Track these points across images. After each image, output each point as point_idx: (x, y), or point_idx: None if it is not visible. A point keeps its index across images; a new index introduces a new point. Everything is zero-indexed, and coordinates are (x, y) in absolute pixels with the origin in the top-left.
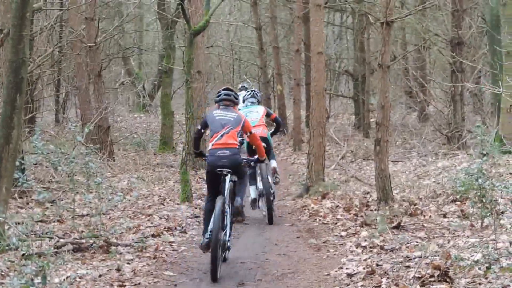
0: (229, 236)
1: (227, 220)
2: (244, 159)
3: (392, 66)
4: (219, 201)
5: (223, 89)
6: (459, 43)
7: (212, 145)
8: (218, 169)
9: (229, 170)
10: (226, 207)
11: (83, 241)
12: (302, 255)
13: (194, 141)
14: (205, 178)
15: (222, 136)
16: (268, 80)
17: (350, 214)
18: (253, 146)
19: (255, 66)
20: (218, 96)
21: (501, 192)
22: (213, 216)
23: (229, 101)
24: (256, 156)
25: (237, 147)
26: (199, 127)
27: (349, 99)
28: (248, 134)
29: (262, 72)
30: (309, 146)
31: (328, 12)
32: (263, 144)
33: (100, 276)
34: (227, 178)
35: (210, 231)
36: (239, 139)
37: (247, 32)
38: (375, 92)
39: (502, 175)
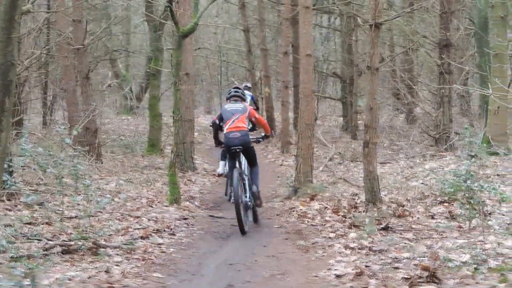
0: (249, 197)
1: (247, 186)
2: (254, 138)
3: (380, 68)
4: (235, 172)
5: (233, 88)
6: (447, 45)
7: (227, 129)
8: (232, 147)
9: (240, 147)
10: (244, 176)
11: (72, 243)
12: (291, 257)
13: (214, 132)
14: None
15: (233, 121)
16: (256, 82)
17: (338, 215)
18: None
19: (242, 68)
20: (229, 93)
21: (489, 194)
22: (232, 184)
23: (237, 97)
24: (263, 134)
25: (246, 129)
26: (217, 121)
27: (336, 101)
28: (253, 119)
29: (249, 74)
30: (297, 148)
31: (316, 14)
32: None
33: (89, 278)
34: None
35: (232, 195)
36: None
37: (235, 34)
38: (363, 94)
39: (490, 177)
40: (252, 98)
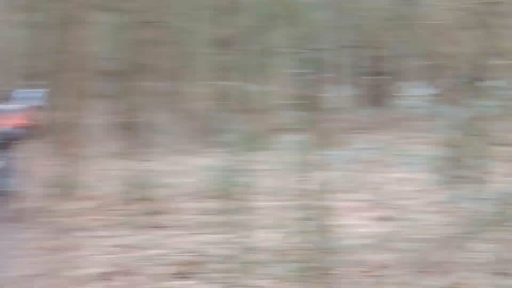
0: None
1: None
2: (13, 133)
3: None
4: None
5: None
6: (227, 41)
7: None
8: None
9: None
10: None
11: None
12: (44, 258)
13: None
14: None
15: None
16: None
17: (101, 213)
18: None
19: None
20: None
21: (253, 189)
22: None
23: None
24: (26, 131)
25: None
26: None
27: (107, 99)
28: (21, 117)
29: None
30: (64, 147)
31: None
32: None
33: None
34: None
35: None
36: None
37: None
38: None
39: (256, 172)
40: (38, 95)
